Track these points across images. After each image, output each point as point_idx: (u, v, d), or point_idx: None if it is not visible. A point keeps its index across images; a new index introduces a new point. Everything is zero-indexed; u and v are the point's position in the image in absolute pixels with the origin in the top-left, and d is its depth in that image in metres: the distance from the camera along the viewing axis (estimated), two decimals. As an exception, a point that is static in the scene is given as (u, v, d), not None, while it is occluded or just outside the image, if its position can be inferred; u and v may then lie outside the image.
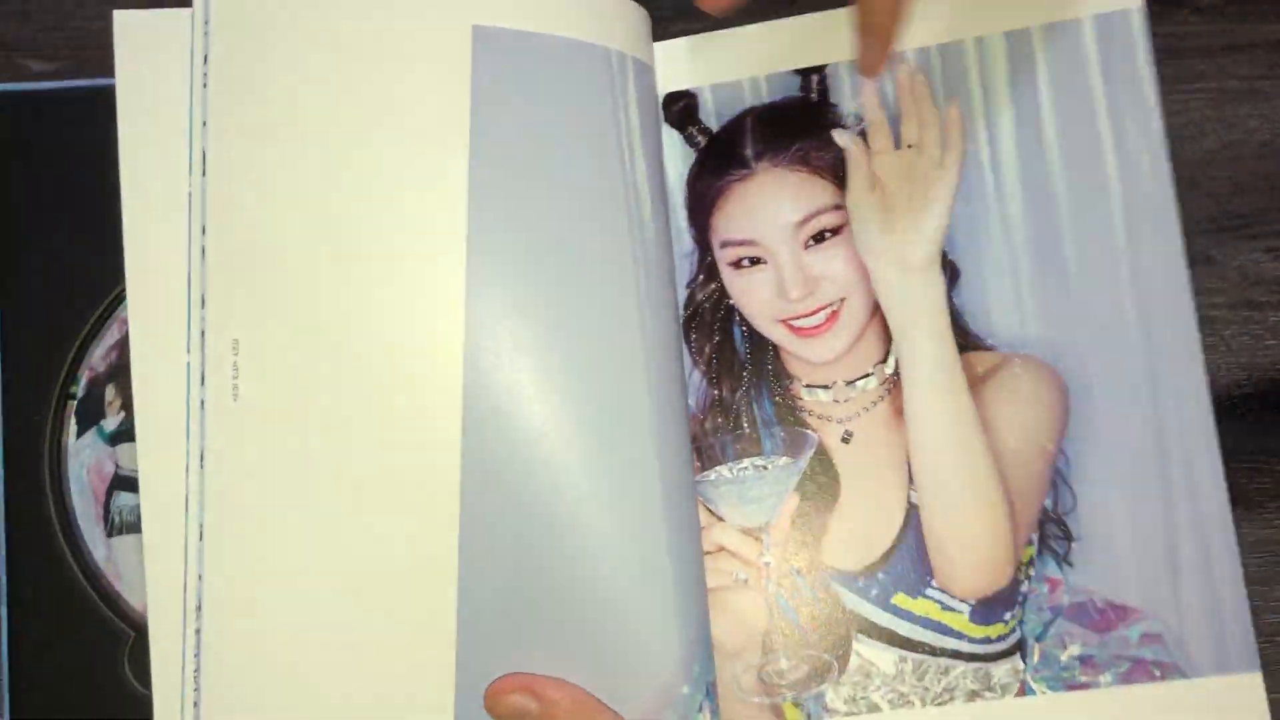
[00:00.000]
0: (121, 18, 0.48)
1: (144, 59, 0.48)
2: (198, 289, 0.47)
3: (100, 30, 0.50)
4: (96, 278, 0.49)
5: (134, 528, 0.47)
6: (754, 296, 0.49)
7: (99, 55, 0.50)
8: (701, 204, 0.50)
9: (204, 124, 0.47)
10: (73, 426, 0.48)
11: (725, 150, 0.50)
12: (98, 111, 0.48)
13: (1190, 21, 0.54)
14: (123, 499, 0.48)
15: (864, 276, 0.49)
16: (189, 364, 0.46)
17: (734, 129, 0.50)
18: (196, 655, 0.45)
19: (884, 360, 0.49)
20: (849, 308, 0.49)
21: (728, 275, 0.49)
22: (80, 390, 0.48)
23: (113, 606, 0.47)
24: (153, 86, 0.48)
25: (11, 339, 0.48)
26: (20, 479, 0.48)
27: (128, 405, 0.48)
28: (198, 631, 0.45)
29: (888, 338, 0.49)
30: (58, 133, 0.50)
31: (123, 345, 0.48)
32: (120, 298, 0.48)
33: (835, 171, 0.49)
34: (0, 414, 0.48)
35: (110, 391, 0.49)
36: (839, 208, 0.49)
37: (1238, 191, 0.50)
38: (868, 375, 0.49)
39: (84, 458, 0.48)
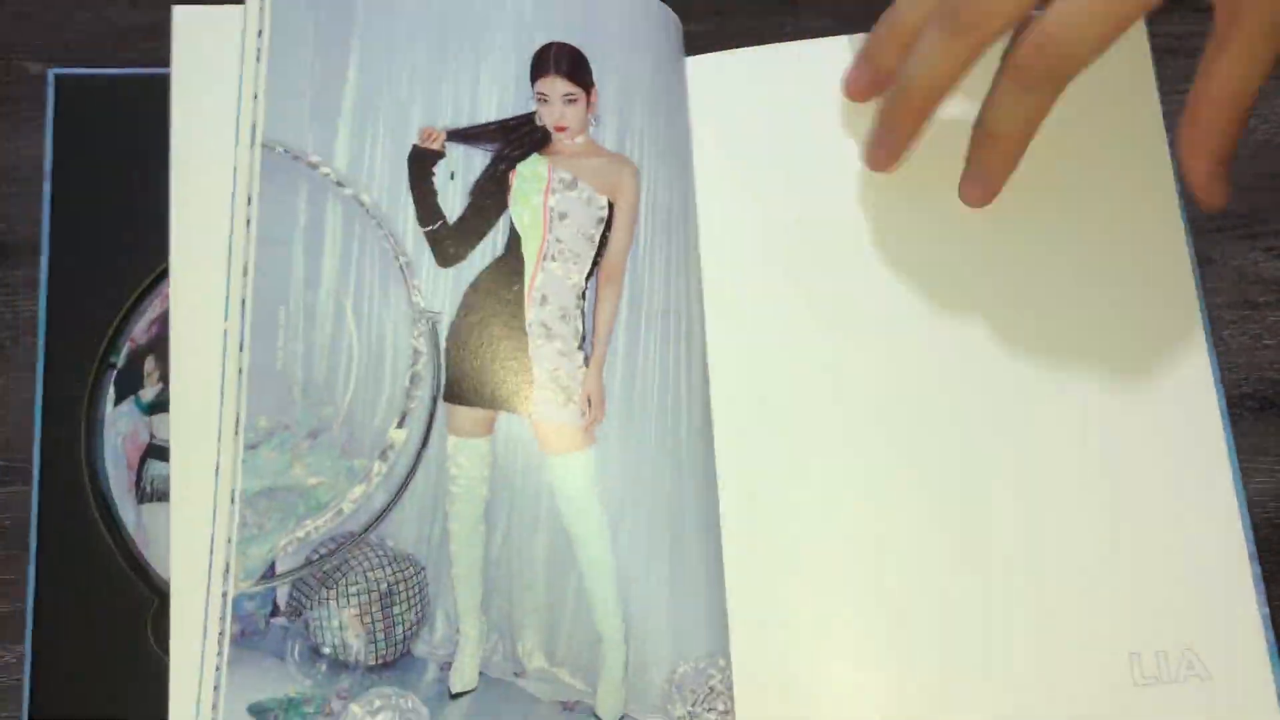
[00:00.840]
0: (180, 13, 0.51)
1: (199, 50, 0.51)
2: (240, 258, 0.48)
3: (98, 33, 0.51)
4: (143, 254, 0.50)
5: (164, 496, 0.48)
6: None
7: (97, 57, 0.51)
8: None
9: (255, 97, 0.50)
10: (111, 395, 0.49)
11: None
12: (152, 97, 0.51)
13: (1190, 21, 0.54)
14: (155, 468, 0.49)
15: None
16: (226, 331, 0.48)
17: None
18: (222, 619, 0.45)
19: None
20: None
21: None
22: (121, 360, 0.50)
23: (140, 572, 0.48)
24: (206, 75, 0.51)
25: (57, 307, 0.50)
26: (56, 443, 0.49)
27: (166, 377, 0.49)
28: (225, 594, 0.45)
29: None
30: (117, 115, 0.52)
31: (164, 319, 0.50)
32: (165, 274, 0.50)
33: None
34: (41, 379, 0.49)
35: (150, 363, 0.50)
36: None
37: (1236, 191, 0.50)
38: None
39: (120, 426, 0.49)
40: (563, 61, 0.53)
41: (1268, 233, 0.53)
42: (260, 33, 0.51)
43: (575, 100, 0.53)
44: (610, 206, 0.52)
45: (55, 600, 0.47)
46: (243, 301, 0.48)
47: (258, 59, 0.51)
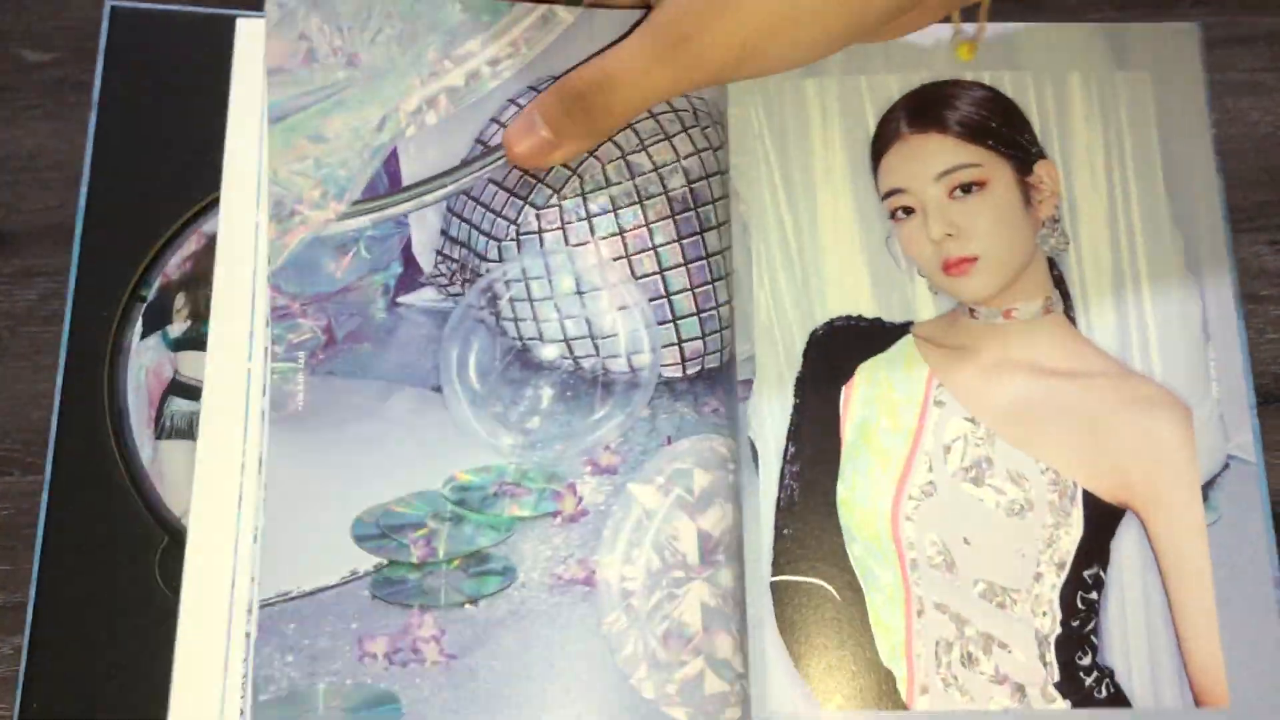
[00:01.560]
0: None
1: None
2: (262, 309, 0.48)
3: (95, 20, 0.51)
4: (183, 188, 0.50)
5: (184, 433, 0.48)
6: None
7: (94, 45, 0.51)
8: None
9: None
10: (139, 328, 0.49)
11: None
12: (205, 35, 0.50)
13: (1192, 15, 0.54)
14: (176, 404, 0.48)
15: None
16: (250, 371, 0.47)
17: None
18: (246, 660, 0.44)
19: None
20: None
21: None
22: (151, 294, 0.49)
23: (151, 508, 0.47)
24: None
25: (91, 235, 0.49)
26: (79, 370, 0.48)
27: (195, 314, 0.49)
28: (248, 635, 0.44)
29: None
30: (169, 51, 0.51)
31: (198, 256, 0.49)
32: (203, 210, 0.49)
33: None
34: (70, 306, 0.48)
35: (180, 299, 0.49)
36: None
37: (1239, 185, 0.50)
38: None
39: (145, 359, 0.48)
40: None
41: (1271, 226, 0.53)
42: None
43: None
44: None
45: (65, 523, 0.46)
46: (265, 350, 0.47)
47: None
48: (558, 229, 0.48)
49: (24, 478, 0.49)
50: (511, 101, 0.49)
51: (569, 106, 0.44)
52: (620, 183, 0.48)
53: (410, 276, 0.48)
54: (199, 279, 0.49)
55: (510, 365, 0.47)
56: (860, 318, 0.50)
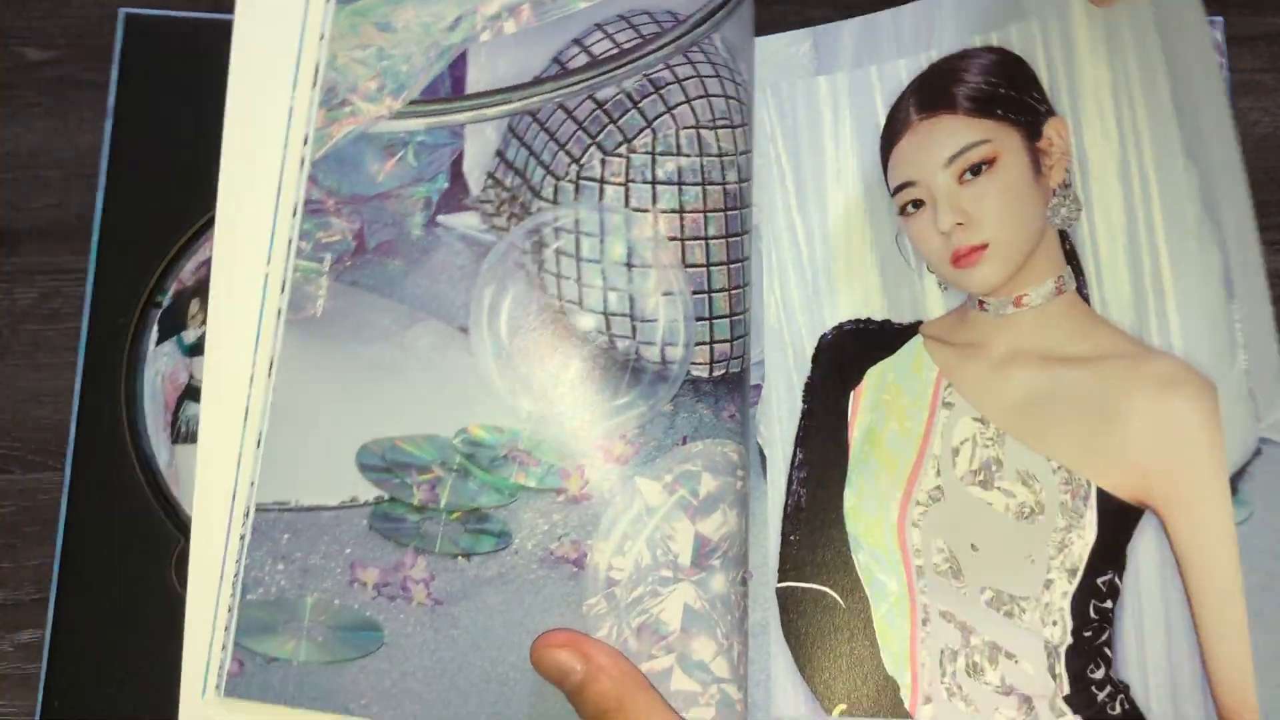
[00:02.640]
0: None
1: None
2: (290, 198, 0.47)
3: (96, 17, 0.51)
4: (196, 196, 0.50)
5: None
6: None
7: (95, 43, 0.52)
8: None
9: (321, 37, 0.49)
10: (154, 334, 0.50)
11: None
12: (217, 41, 0.51)
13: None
14: (192, 409, 0.49)
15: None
16: (268, 275, 0.47)
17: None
18: (239, 560, 0.45)
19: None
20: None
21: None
22: (166, 300, 0.50)
23: (168, 510, 0.48)
24: (267, 21, 0.50)
25: (108, 244, 0.50)
26: (97, 377, 0.49)
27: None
28: (243, 537, 0.45)
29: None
30: (182, 57, 0.52)
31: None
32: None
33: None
34: (87, 314, 0.50)
35: (194, 305, 0.50)
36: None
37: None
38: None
39: (161, 365, 0.50)
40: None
41: (1270, 226, 0.51)
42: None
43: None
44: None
45: (84, 528, 0.48)
46: (289, 242, 0.47)
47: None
48: (621, 184, 0.46)
49: (25, 475, 0.50)
50: (598, 27, 0.47)
51: None
52: (691, 156, 0.47)
53: (455, 194, 0.46)
54: (213, 285, 0.50)
55: (543, 325, 0.46)
56: (869, 321, 0.50)
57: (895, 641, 0.46)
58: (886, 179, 0.50)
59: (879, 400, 0.49)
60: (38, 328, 0.52)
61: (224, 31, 0.51)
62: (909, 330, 0.49)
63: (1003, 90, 0.49)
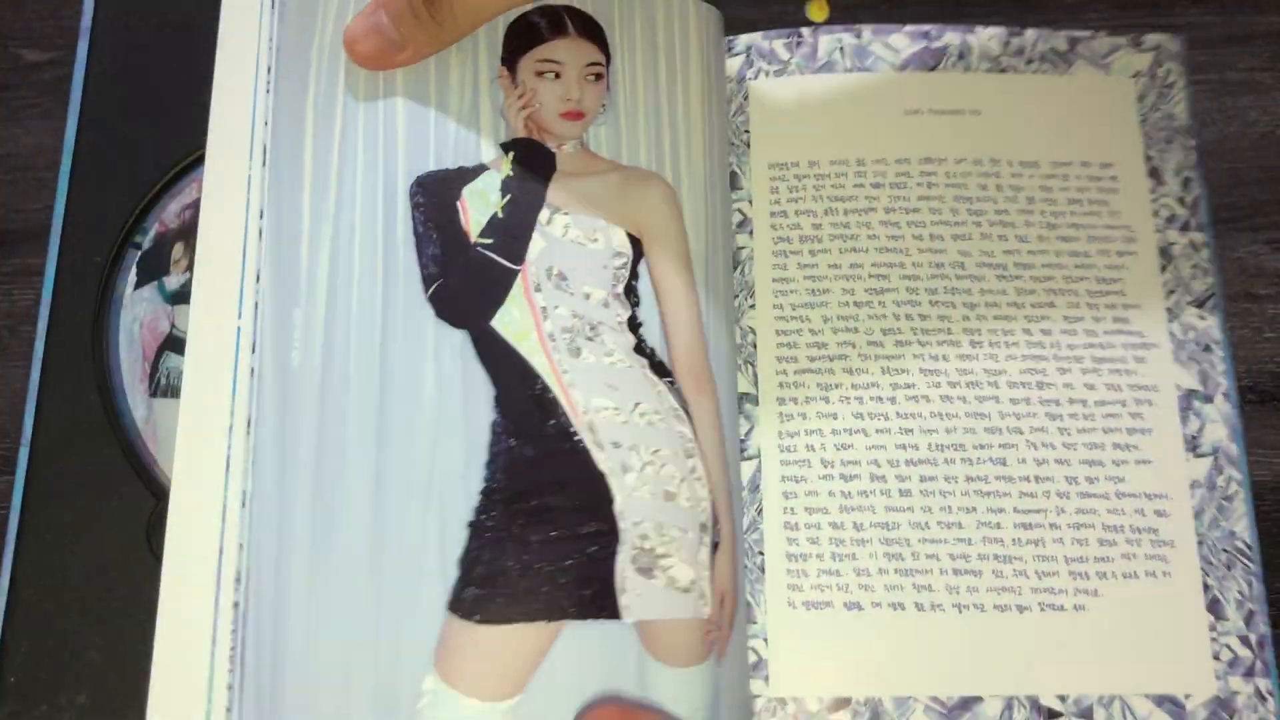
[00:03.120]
0: None
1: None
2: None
3: (94, 19, 0.50)
4: (187, 131, 0.46)
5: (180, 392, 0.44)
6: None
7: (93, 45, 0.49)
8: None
9: (266, 123, 0.45)
10: (133, 277, 0.45)
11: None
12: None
13: (1191, 13, 0.55)
14: (173, 360, 0.45)
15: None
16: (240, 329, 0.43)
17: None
18: (235, 630, 0.41)
19: None
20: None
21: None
22: (147, 242, 0.46)
23: (141, 471, 0.43)
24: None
25: (82, 173, 0.46)
26: (65, 321, 0.44)
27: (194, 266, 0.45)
28: (236, 604, 0.41)
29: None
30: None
31: (199, 206, 0.46)
32: (202, 157, 0.46)
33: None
34: (56, 249, 0.45)
35: (178, 250, 0.46)
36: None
37: (1238, 184, 0.50)
38: None
39: (139, 310, 0.45)
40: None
41: (1269, 225, 0.53)
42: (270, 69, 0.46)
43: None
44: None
45: (47, 485, 0.43)
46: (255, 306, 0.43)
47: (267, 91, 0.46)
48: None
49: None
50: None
51: (416, 6, 0.44)
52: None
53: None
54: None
55: None
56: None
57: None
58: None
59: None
60: (37, 329, 0.48)
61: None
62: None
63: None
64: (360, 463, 0.43)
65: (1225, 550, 0.49)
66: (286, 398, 0.42)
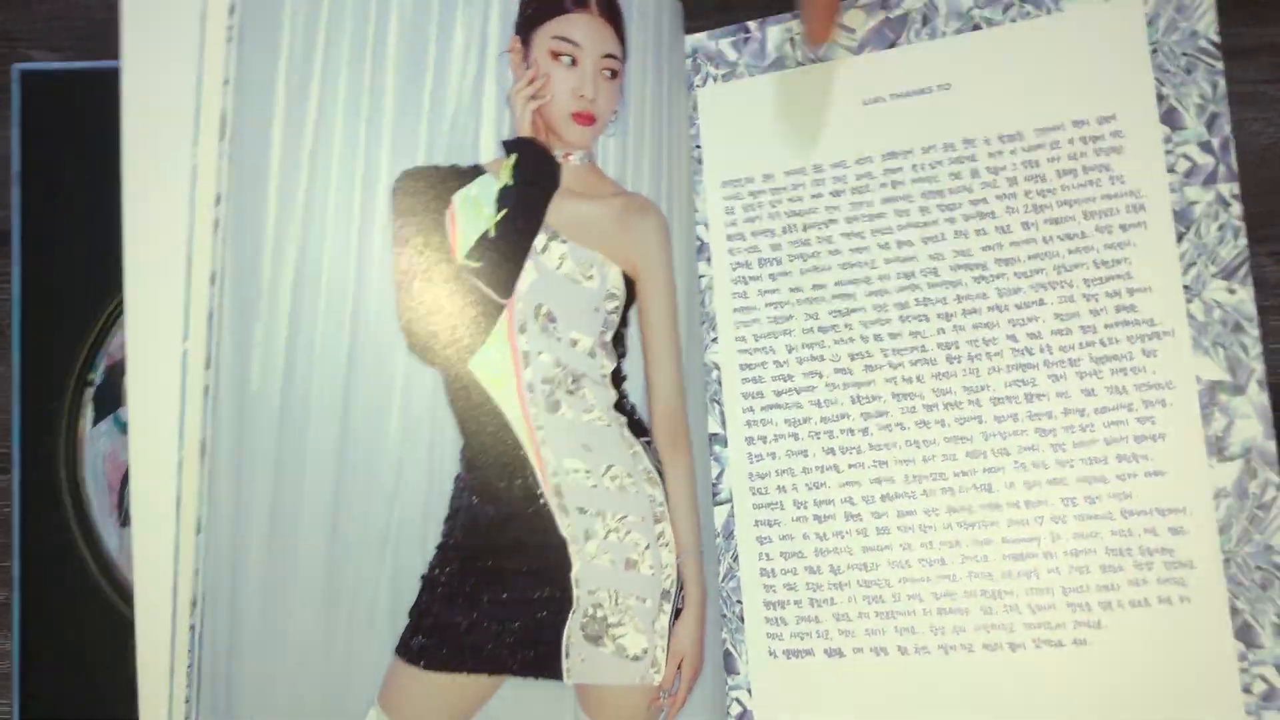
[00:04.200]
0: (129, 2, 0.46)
1: (154, 39, 0.46)
2: (204, 266, 0.44)
3: (103, 19, 0.50)
4: (117, 268, 0.47)
5: (147, 518, 0.47)
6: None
7: (103, 44, 0.50)
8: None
9: (225, 83, 0.45)
10: (90, 413, 0.48)
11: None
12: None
13: None
14: (136, 489, 0.47)
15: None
16: (187, 350, 0.44)
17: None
18: (191, 650, 0.43)
19: None
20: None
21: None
22: (99, 377, 0.48)
23: (125, 597, 0.47)
24: (157, 67, 0.46)
25: (33, 325, 0.48)
26: (37, 465, 0.47)
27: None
28: (192, 627, 0.44)
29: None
30: (89, 112, 0.49)
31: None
32: (139, 283, 0.47)
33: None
34: (18, 399, 0.48)
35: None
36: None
37: (1242, 196, 0.45)
38: None
39: (100, 446, 0.48)
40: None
41: (1273, 237, 0.49)
42: (231, 9, 0.46)
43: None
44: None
45: (41, 622, 0.46)
46: (209, 315, 0.44)
47: (229, 40, 0.46)
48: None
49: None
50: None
51: None
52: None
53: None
54: (143, 356, 0.47)
55: None
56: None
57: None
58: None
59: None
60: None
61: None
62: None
63: None
64: (317, 504, 0.44)
65: (1260, 568, 0.44)
66: (243, 423, 0.44)
